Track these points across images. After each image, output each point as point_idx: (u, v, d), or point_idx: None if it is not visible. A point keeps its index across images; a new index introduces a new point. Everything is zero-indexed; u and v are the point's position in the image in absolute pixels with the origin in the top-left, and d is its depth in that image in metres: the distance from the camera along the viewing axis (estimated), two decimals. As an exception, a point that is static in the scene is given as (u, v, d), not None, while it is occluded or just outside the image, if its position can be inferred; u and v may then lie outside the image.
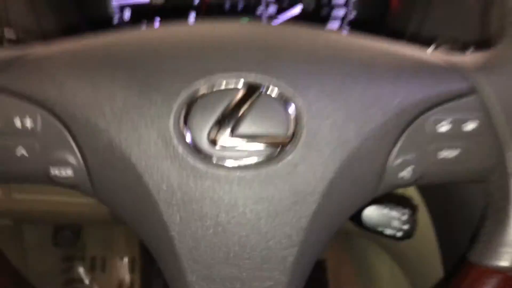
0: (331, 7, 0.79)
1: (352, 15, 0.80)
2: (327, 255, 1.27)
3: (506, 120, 0.39)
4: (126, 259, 1.29)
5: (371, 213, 0.46)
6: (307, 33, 0.40)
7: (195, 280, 0.36)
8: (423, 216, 0.70)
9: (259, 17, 0.79)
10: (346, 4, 0.79)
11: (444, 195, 0.66)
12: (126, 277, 1.29)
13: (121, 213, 0.39)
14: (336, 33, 0.42)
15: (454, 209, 0.64)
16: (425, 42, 0.65)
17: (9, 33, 0.45)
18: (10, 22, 0.48)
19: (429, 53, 0.42)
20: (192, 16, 0.78)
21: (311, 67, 0.37)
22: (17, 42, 0.49)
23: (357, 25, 0.80)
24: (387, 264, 1.00)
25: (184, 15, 0.78)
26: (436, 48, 0.61)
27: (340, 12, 0.80)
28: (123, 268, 1.29)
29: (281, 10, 0.79)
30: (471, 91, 0.39)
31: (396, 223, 0.46)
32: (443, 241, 0.69)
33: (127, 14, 0.77)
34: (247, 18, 0.79)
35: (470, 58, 0.41)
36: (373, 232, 0.47)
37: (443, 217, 0.69)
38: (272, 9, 0.79)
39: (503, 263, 0.41)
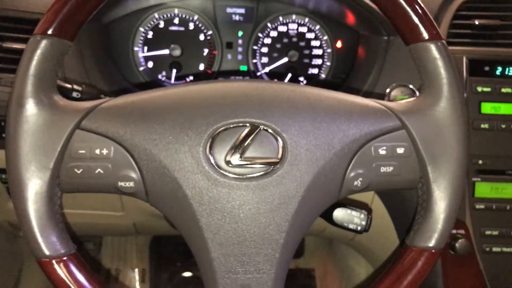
0: (310, 58, 0.92)
1: (327, 65, 0.93)
2: (315, 265, 1.36)
3: (424, 146, 0.51)
4: (137, 270, 1.34)
5: (338, 213, 0.58)
6: (290, 89, 0.52)
7: (217, 256, 0.48)
8: (387, 220, 0.84)
9: (255, 65, 0.92)
10: (322, 56, 0.92)
11: (398, 200, 0.78)
12: (138, 287, 1.34)
13: (166, 212, 0.51)
14: (310, 87, 0.54)
15: (404, 207, 0.76)
16: (383, 83, 0.79)
17: (77, 87, 0.60)
18: (70, 82, 0.61)
19: (374, 101, 0.54)
20: (201, 66, 0.91)
21: (292, 114, 0.50)
22: (82, 93, 0.63)
23: (331, 73, 0.92)
24: (363, 265, 1.09)
25: (195, 66, 0.91)
26: (389, 92, 0.76)
27: (317, 62, 0.93)
28: (135, 279, 1.33)
29: (271, 60, 0.92)
30: (401, 127, 0.52)
31: (356, 220, 0.59)
32: (400, 231, 0.81)
33: (150, 63, 0.90)
34: (245, 66, 0.92)
35: (400, 105, 0.54)
36: (340, 227, 0.61)
37: (400, 219, 0.81)
38: (265, 59, 0.92)
39: (429, 244, 0.52)
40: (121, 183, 0.50)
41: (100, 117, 0.50)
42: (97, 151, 0.49)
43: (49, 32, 0.49)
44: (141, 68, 0.90)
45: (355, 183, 0.52)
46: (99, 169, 0.49)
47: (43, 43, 0.48)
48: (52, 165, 0.48)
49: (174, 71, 0.90)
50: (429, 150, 0.52)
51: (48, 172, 0.48)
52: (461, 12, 0.79)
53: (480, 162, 0.76)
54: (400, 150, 0.52)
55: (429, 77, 0.53)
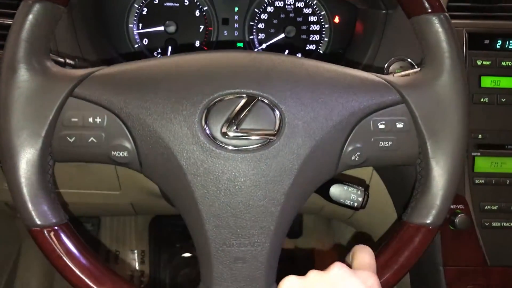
0: (308, 34, 0.91)
1: (325, 41, 0.92)
2: (313, 244, 1.36)
3: (424, 121, 0.51)
4: (136, 252, 1.34)
5: (335, 189, 0.58)
6: (288, 60, 0.52)
7: (211, 228, 0.48)
8: (386, 197, 0.83)
9: (252, 42, 0.91)
10: (319, 32, 0.92)
11: (397, 176, 0.77)
12: (137, 268, 1.35)
13: (160, 184, 0.51)
14: (309, 60, 0.53)
15: (403, 183, 0.75)
16: (381, 58, 0.78)
17: (70, 61, 0.59)
18: (62, 55, 0.60)
19: (373, 75, 0.53)
20: (197, 43, 0.90)
21: (290, 85, 0.49)
22: (74, 67, 0.62)
23: (327, 55, 0.91)
24: (361, 242, 1.10)
25: (191, 43, 0.90)
26: (387, 66, 0.75)
27: (315, 37, 0.92)
28: (134, 260, 1.34)
29: (268, 36, 0.91)
30: (401, 101, 0.51)
31: (353, 196, 0.58)
32: (398, 208, 0.81)
33: (145, 41, 0.89)
34: (241, 43, 0.90)
35: (400, 79, 0.54)
36: (337, 204, 0.60)
37: (399, 195, 0.81)
38: (261, 35, 0.91)
39: (426, 220, 0.52)
40: (114, 153, 0.49)
41: (94, 85, 0.49)
42: (90, 120, 0.48)
43: None
44: (136, 45, 0.89)
45: (353, 157, 0.51)
46: (92, 138, 0.48)
47: (36, 7, 0.47)
48: (44, 132, 0.47)
49: (170, 48, 0.89)
50: (428, 125, 0.51)
51: (39, 139, 0.47)
52: None
53: (480, 136, 0.75)
54: (399, 125, 0.51)
55: (430, 51, 0.52)
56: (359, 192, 0.59)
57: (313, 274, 0.45)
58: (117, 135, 0.49)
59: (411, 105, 0.51)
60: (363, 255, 0.49)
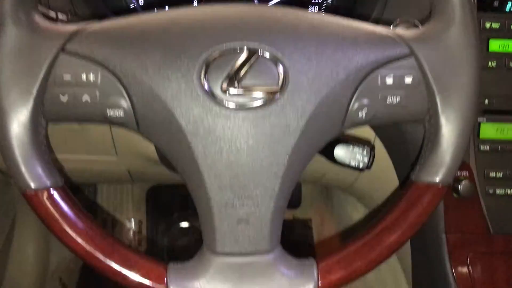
0: None
1: (328, 2, 0.87)
2: (312, 215, 1.36)
3: (433, 75, 0.49)
4: (133, 221, 1.34)
5: (340, 150, 0.57)
6: (292, 13, 0.50)
7: (213, 189, 0.46)
8: (388, 163, 0.82)
9: (252, 0, 0.86)
10: None
11: (399, 142, 0.75)
12: (134, 238, 1.34)
13: (158, 144, 0.49)
14: (313, 13, 0.51)
15: (406, 147, 0.74)
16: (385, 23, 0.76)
17: (61, 16, 0.56)
18: (55, 9, 0.58)
19: (381, 27, 0.51)
20: (195, 2, 0.86)
21: (295, 38, 0.47)
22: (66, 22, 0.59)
23: (333, 8, 0.87)
24: (361, 212, 1.08)
25: (189, 3, 0.85)
26: (394, 27, 0.73)
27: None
28: (131, 230, 1.34)
29: None
30: (410, 55, 0.49)
31: (359, 157, 0.57)
32: (401, 176, 0.80)
33: (140, 0, 0.84)
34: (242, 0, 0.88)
35: (410, 31, 0.52)
36: (341, 165, 0.59)
37: (401, 162, 0.79)
38: None
39: (435, 179, 0.50)
40: (109, 112, 0.47)
41: (86, 40, 0.46)
42: (84, 77, 0.46)
43: None
44: (131, 5, 0.85)
45: (360, 114, 0.49)
46: (86, 96, 0.46)
47: None
48: (35, 91, 0.45)
49: (167, 8, 0.85)
50: (438, 79, 0.49)
51: (31, 98, 0.45)
52: None
53: (486, 102, 0.74)
54: (408, 79, 0.49)
55: (440, 1, 0.50)
56: (364, 152, 0.58)
57: None
58: (112, 93, 0.46)
59: (420, 58, 0.49)
60: None
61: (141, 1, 0.85)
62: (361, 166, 0.58)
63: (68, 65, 0.46)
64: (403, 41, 0.50)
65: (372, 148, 0.58)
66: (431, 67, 0.49)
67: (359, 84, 0.48)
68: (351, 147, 0.58)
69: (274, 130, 0.46)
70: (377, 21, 0.77)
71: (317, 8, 0.89)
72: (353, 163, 0.58)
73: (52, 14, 0.55)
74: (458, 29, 0.49)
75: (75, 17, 0.60)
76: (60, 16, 0.56)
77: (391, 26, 0.69)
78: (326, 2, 0.88)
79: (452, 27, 0.49)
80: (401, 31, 0.52)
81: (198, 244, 0.52)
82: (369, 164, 0.57)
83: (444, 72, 0.49)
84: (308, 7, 0.88)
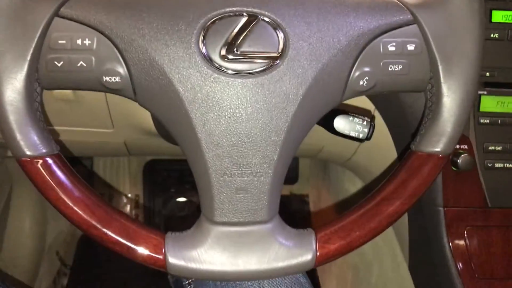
0: None
1: None
2: (309, 190, 1.36)
3: (436, 43, 0.48)
4: (130, 196, 1.34)
5: (340, 120, 0.56)
6: None
7: (211, 157, 0.46)
8: (386, 137, 0.82)
9: None
10: None
11: (399, 115, 0.75)
12: (131, 212, 1.35)
13: (156, 112, 0.48)
14: None
15: (405, 119, 0.73)
16: None
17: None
18: None
19: None
20: None
21: (295, 3, 0.46)
22: None
23: None
24: (358, 187, 1.08)
25: None
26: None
27: None
28: (128, 205, 1.34)
29: None
30: (412, 21, 0.48)
31: (358, 127, 0.56)
32: (399, 149, 0.80)
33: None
34: None
35: None
36: (342, 135, 0.59)
37: (400, 135, 0.79)
38: None
39: (436, 148, 0.50)
40: (106, 78, 0.46)
41: (82, 4, 0.45)
42: (79, 42, 0.45)
43: None
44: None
45: (361, 82, 0.48)
46: (81, 62, 0.45)
47: None
48: (29, 56, 0.44)
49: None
50: (441, 47, 0.48)
51: (25, 64, 0.44)
52: None
53: (488, 74, 0.73)
54: (410, 47, 0.48)
55: None
56: (364, 123, 0.57)
57: None
58: (108, 58, 0.45)
59: (424, 25, 0.48)
60: None
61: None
62: (361, 136, 0.57)
63: (63, 30, 0.45)
64: (406, 7, 0.49)
65: (372, 119, 0.57)
66: (434, 35, 0.48)
67: (361, 51, 0.48)
68: (351, 117, 0.57)
69: (273, 97, 0.46)
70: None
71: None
72: (353, 134, 0.57)
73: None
74: None
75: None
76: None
77: None
78: None
79: None
80: None
81: (195, 218, 0.51)
82: (369, 134, 0.57)
83: (447, 41, 0.48)
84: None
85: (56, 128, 0.83)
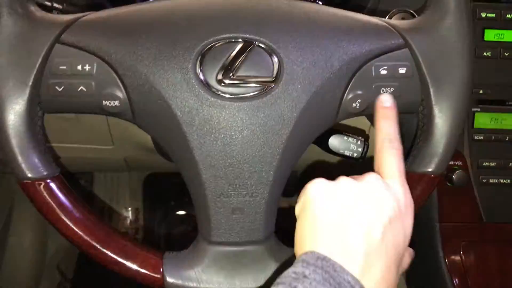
0: None
1: None
2: None
3: (427, 66, 0.49)
4: (130, 209, 1.35)
5: (335, 140, 0.57)
6: (287, 3, 0.50)
7: (208, 179, 0.47)
8: None
9: None
10: None
11: None
12: (131, 226, 1.35)
13: (154, 134, 0.49)
14: (308, 3, 0.51)
15: (401, 138, 0.75)
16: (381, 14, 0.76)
17: (57, 5, 0.56)
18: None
19: (376, 18, 0.51)
20: None
21: (289, 29, 0.47)
22: (62, 12, 0.59)
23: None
24: None
25: None
26: (389, 18, 0.72)
27: None
28: (128, 218, 1.35)
29: None
30: (404, 46, 0.49)
31: (353, 147, 0.57)
32: None
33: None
34: None
35: (404, 22, 0.52)
36: (337, 154, 0.60)
37: None
38: None
39: (428, 169, 0.51)
40: (105, 102, 0.47)
41: (82, 30, 0.47)
42: (79, 67, 0.46)
43: None
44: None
45: (354, 105, 0.49)
46: (81, 87, 0.47)
47: None
48: (31, 81, 0.45)
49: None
50: (432, 70, 0.49)
51: (27, 89, 0.45)
52: None
53: (481, 91, 0.74)
54: (402, 70, 0.49)
55: None
56: (358, 143, 0.58)
57: (344, 180, 0.43)
58: (107, 83, 0.47)
59: (415, 49, 0.49)
60: (392, 160, 0.46)
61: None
62: (355, 155, 0.58)
63: (63, 56, 0.46)
64: (397, 32, 0.50)
65: (366, 139, 0.58)
66: (425, 58, 0.49)
67: (353, 75, 0.49)
68: (345, 137, 0.58)
69: (268, 120, 0.47)
70: (372, 12, 0.77)
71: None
72: (347, 153, 0.58)
73: (48, 3, 0.55)
74: (452, 20, 0.49)
75: (71, 6, 0.60)
76: (56, 5, 0.56)
77: (386, 16, 0.69)
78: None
79: (446, 18, 0.49)
80: (395, 21, 0.52)
81: (195, 232, 0.52)
82: (363, 154, 0.58)
83: (438, 63, 0.49)
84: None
85: (57, 145, 0.84)
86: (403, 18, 0.72)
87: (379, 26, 0.50)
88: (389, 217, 0.41)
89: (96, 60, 0.46)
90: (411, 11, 0.71)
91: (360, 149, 0.58)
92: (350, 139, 0.58)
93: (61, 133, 0.81)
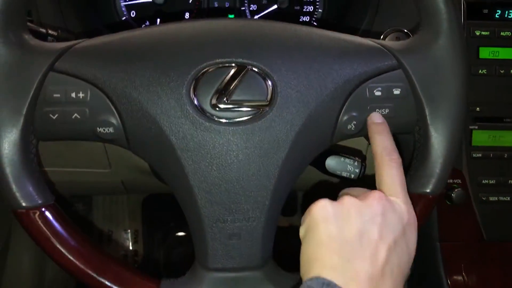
0: (301, 4, 0.88)
1: (319, 12, 0.88)
2: None
3: (422, 86, 0.49)
4: (129, 232, 1.32)
5: (331, 161, 0.57)
6: (279, 26, 0.50)
7: (204, 204, 0.47)
8: None
9: (243, 13, 0.87)
10: (313, 3, 0.88)
11: None
12: (130, 248, 1.33)
13: (149, 160, 0.49)
14: (301, 26, 0.51)
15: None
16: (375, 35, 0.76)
17: (52, 32, 0.56)
18: (45, 26, 0.58)
19: (369, 40, 0.52)
20: (187, 15, 0.86)
21: (282, 52, 0.47)
22: (58, 39, 0.59)
23: (322, 21, 0.89)
24: None
25: (180, 14, 0.86)
26: (383, 38, 0.73)
27: (308, 8, 0.88)
28: (127, 240, 1.32)
29: (260, 7, 0.88)
30: (398, 67, 0.49)
31: (350, 168, 0.57)
32: None
33: (133, 13, 0.85)
34: (232, 15, 0.87)
35: (397, 43, 0.52)
36: (333, 175, 0.59)
37: None
38: (253, 7, 0.88)
39: (426, 189, 0.50)
40: (100, 129, 0.47)
41: (75, 58, 0.47)
42: (73, 95, 0.46)
43: None
44: (123, 18, 0.86)
45: (349, 126, 0.49)
46: (75, 114, 0.46)
47: None
48: (25, 110, 0.45)
49: (158, 20, 0.86)
50: (427, 90, 0.49)
51: (21, 118, 0.45)
52: None
53: (478, 109, 0.74)
54: (396, 91, 0.49)
55: (427, 13, 0.50)
56: (355, 163, 0.58)
57: (348, 201, 0.43)
58: (101, 110, 0.47)
59: (409, 70, 0.49)
60: (393, 174, 0.47)
61: (133, 13, 0.86)
62: (352, 176, 0.57)
63: (57, 84, 0.46)
64: (391, 52, 0.50)
65: (363, 160, 0.58)
66: (419, 79, 0.49)
67: (348, 96, 0.49)
68: (342, 158, 0.57)
69: (264, 144, 0.47)
70: (367, 33, 0.78)
71: (308, 18, 0.89)
72: (344, 174, 0.57)
73: (42, 30, 0.55)
74: (445, 40, 0.49)
75: (65, 33, 0.60)
76: (51, 32, 0.56)
77: (381, 37, 0.70)
78: (316, 13, 0.89)
79: (439, 38, 0.50)
80: (388, 42, 0.52)
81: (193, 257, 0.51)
82: (360, 175, 0.57)
83: (432, 83, 0.49)
84: (299, 18, 0.89)
85: (54, 169, 0.83)
86: (397, 38, 0.72)
87: (372, 48, 0.50)
88: (394, 237, 0.41)
89: (90, 87, 0.46)
90: (406, 31, 0.71)
91: (357, 170, 0.57)
92: (347, 160, 0.57)
93: (58, 157, 0.80)
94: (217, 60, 0.46)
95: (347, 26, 0.84)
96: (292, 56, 0.47)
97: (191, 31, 0.49)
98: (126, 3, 0.85)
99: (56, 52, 0.47)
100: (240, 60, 0.46)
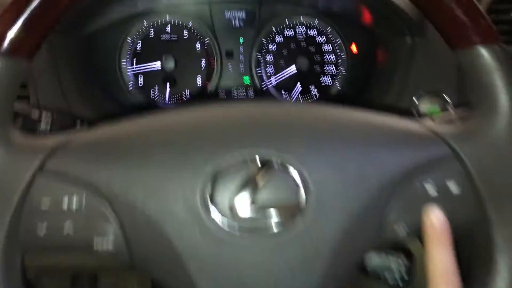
0: (322, 65, 0.83)
1: (342, 72, 0.83)
2: None
3: (482, 179, 0.42)
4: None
5: (373, 259, 0.50)
6: (308, 110, 0.44)
7: None
8: None
9: (259, 76, 0.83)
10: (335, 63, 0.83)
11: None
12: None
13: (157, 278, 0.42)
14: (333, 109, 0.45)
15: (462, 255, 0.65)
16: (409, 94, 0.70)
17: (47, 116, 0.50)
18: (44, 107, 0.52)
19: (416, 123, 0.45)
20: (198, 79, 0.82)
21: (314, 143, 0.41)
22: (53, 123, 0.53)
23: (346, 83, 0.83)
24: None
25: (192, 80, 0.82)
26: (418, 99, 0.66)
27: (330, 69, 0.83)
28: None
29: (278, 69, 0.83)
30: (452, 156, 0.42)
31: (394, 266, 0.50)
32: None
33: (140, 80, 0.80)
34: (248, 77, 0.82)
35: (448, 127, 0.45)
36: (373, 277, 0.51)
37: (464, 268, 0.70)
38: (270, 69, 0.83)
39: None
40: (96, 241, 0.40)
41: (68, 157, 0.41)
42: (65, 201, 0.40)
43: None
44: (130, 86, 0.80)
45: (397, 228, 0.41)
46: (68, 225, 0.40)
47: None
48: (8, 221, 0.39)
49: (168, 86, 0.80)
50: (489, 185, 0.42)
51: (2, 230, 0.38)
52: (497, 6, 0.68)
53: None
54: (452, 186, 0.42)
55: (484, 90, 0.43)
56: (400, 261, 0.49)
57: None
58: (98, 220, 0.40)
59: (465, 159, 0.42)
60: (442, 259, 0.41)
61: (140, 82, 0.80)
62: (397, 284, 0.49)
63: (47, 188, 0.40)
64: (444, 140, 0.43)
65: (411, 261, 0.49)
66: (479, 171, 0.42)
67: (394, 194, 0.41)
68: (383, 254, 0.49)
69: (296, 257, 0.39)
70: (399, 95, 0.72)
71: (330, 80, 0.83)
72: (386, 275, 0.49)
73: (35, 114, 0.48)
74: (506, 122, 0.43)
75: (64, 116, 0.54)
76: (45, 116, 0.49)
77: (413, 101, 0.63)
78: (336, 84, 0.83)
79: (499, 122, 0.43)
80: (438, 127, 0.45)
81: None
82: (406, 281, 0.49)
83: (495, 175, 0.42)
84: (315, 94, 0.83)
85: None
86: (431, 103, 0.65)
87: (421, 134, 0.43)
88: None
89: (86, 192, 0.40)
90: (443, 94, 0.64)
91: (403, 274, 0.49)
92: (390, 257, 0.49)
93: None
94: (237, 157, 0.39)
95: (373, 95, 0.78)
96: (327, 147, 0.41)
97: (205, 121, 0.42)
98: (133, 69, 0.80)
99: (46, 150, 0.40)
100: (264, 155, 0.39)
